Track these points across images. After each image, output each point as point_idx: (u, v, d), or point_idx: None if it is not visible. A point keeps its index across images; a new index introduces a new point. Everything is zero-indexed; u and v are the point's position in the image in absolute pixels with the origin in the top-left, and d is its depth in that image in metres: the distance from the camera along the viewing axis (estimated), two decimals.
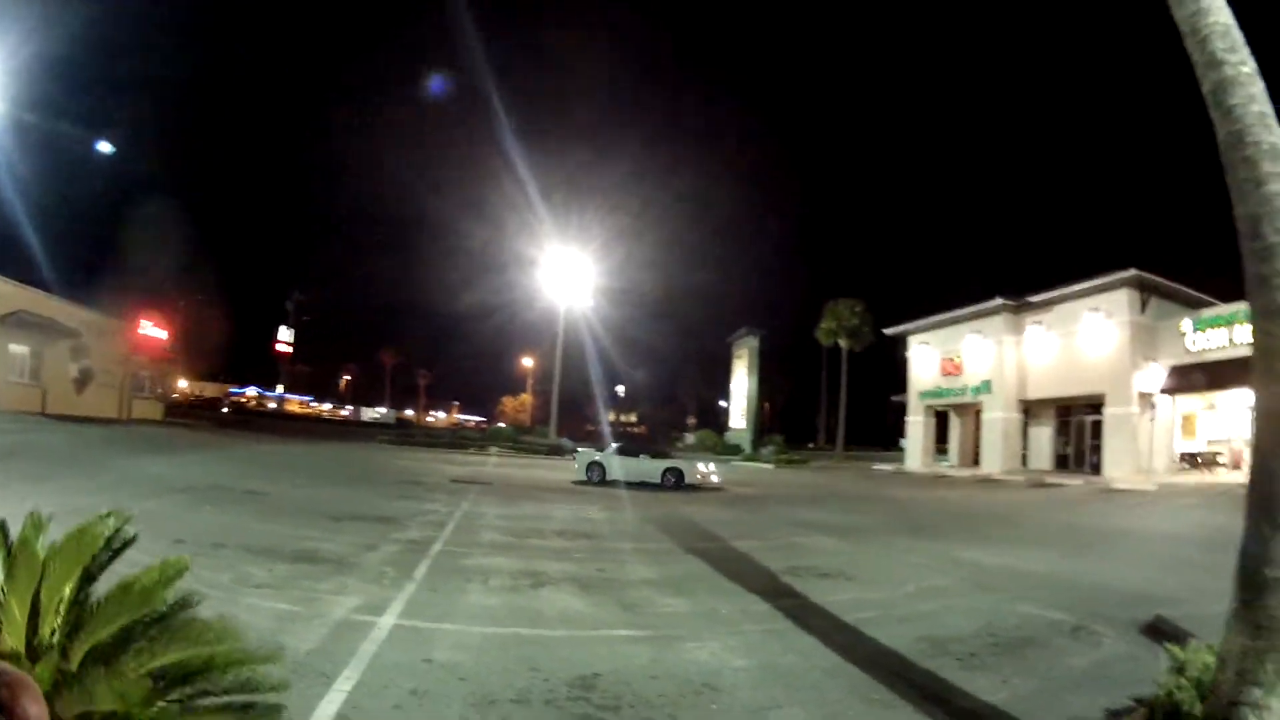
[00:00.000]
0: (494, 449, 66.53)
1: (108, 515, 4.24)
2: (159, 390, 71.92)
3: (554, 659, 9.34)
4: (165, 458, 33.33)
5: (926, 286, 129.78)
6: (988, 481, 49.60)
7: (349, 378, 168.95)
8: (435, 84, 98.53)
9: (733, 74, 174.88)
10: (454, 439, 76.59)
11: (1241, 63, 5.72)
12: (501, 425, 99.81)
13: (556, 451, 66.51)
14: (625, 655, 9.74)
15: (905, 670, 9.47)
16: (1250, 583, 5.16)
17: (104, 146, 61.59)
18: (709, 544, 19.87)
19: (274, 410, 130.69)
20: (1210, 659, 6.15)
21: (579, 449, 45.64)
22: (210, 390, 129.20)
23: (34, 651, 3.64)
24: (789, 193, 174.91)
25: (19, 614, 3.68)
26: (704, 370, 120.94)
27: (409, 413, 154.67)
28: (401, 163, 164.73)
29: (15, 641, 3.63)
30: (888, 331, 72.48)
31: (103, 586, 4.02)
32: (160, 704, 3.60)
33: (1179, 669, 6.74)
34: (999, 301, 57.79)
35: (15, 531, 4.06)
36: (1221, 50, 5.72)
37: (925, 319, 66.62)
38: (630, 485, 36.81)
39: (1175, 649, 7.11)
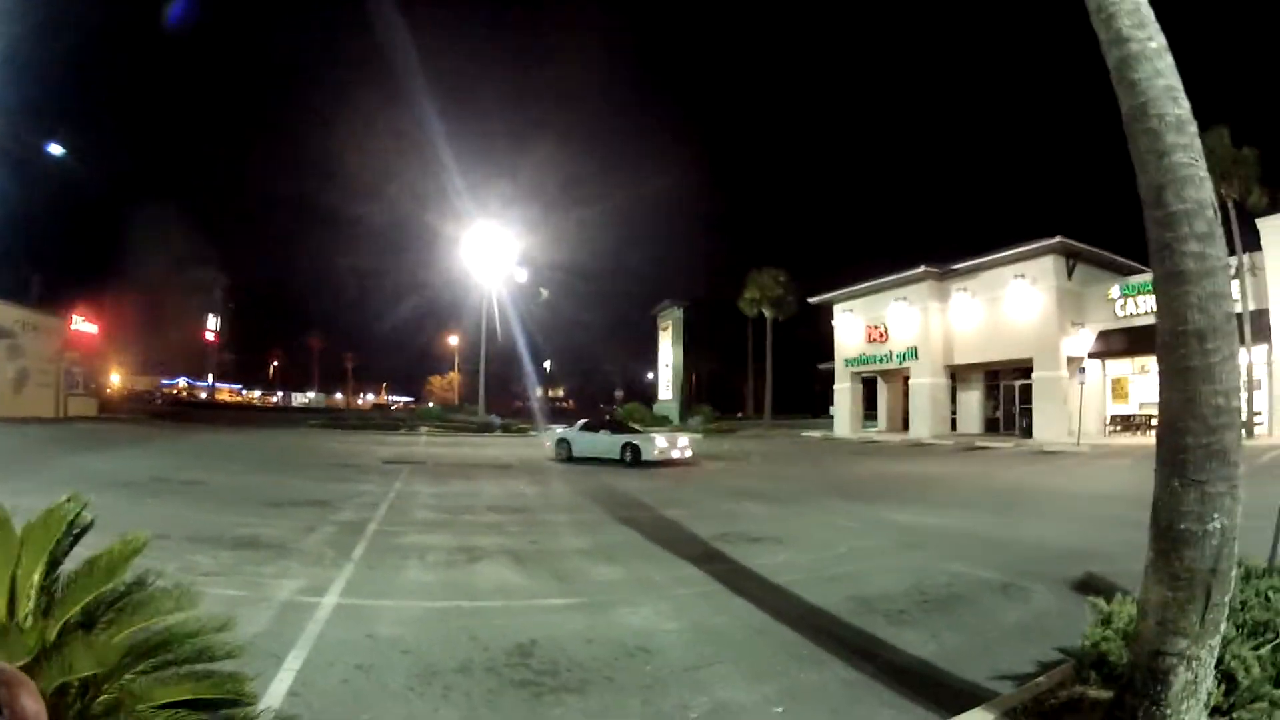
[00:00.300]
0: (424, 429, 66.47)
1: (68, 500, 4.38)
2: (92, 386, 71.42)
3: (492, 629, 9.48)
4: (103, 453, 33.16)
5: (851, 256, 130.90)
6: (917, 446, 50.32)
7: (277, 364, 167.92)
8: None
9: (654, 44, 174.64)
10: (384, 420, 76.53)
11: (1149, 38, 5.73)
12: (430, 405, 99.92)
13: (486, 429, 66.81)
14: (560, 623, 9.87)
15: (834, 628, 9.65)
16: (1164, 535, 5.27)
17: (55, 149, 60.81)
18: (639, 513, 20.04)
19: (205, 401, 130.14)
20: (1135, 610, 6.35)
21: (550, 427, 46.72)
22: (142, 384, 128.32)
23: (12, 628, 3.78)
24: (711, 163, 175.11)
25: None
26: (630, 343, 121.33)
27: (338, 396, 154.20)
28: (325, 145, 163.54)
29: None
30: (812, 300, 73.49)
31: (67, 567, 4.19)
32: (130, 675, 3.82)
33: (1105, 620, 6.84)
34: (923, 269, 58.60)
35: None
36: (1128, 27, 5.78)
37: (850, 287, 67.33)
38: (590, 460, 37.00)
39: (1100, 602, 7.23)
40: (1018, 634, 9.44)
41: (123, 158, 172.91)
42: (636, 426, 47.36)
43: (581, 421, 42.55)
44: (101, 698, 3.73)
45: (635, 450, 36.68)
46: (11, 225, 63.29)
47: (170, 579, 4.37)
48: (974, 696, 7.13)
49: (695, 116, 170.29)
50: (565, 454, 38.71)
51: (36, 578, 3.99)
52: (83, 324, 67.31)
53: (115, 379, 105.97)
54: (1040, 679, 7.04)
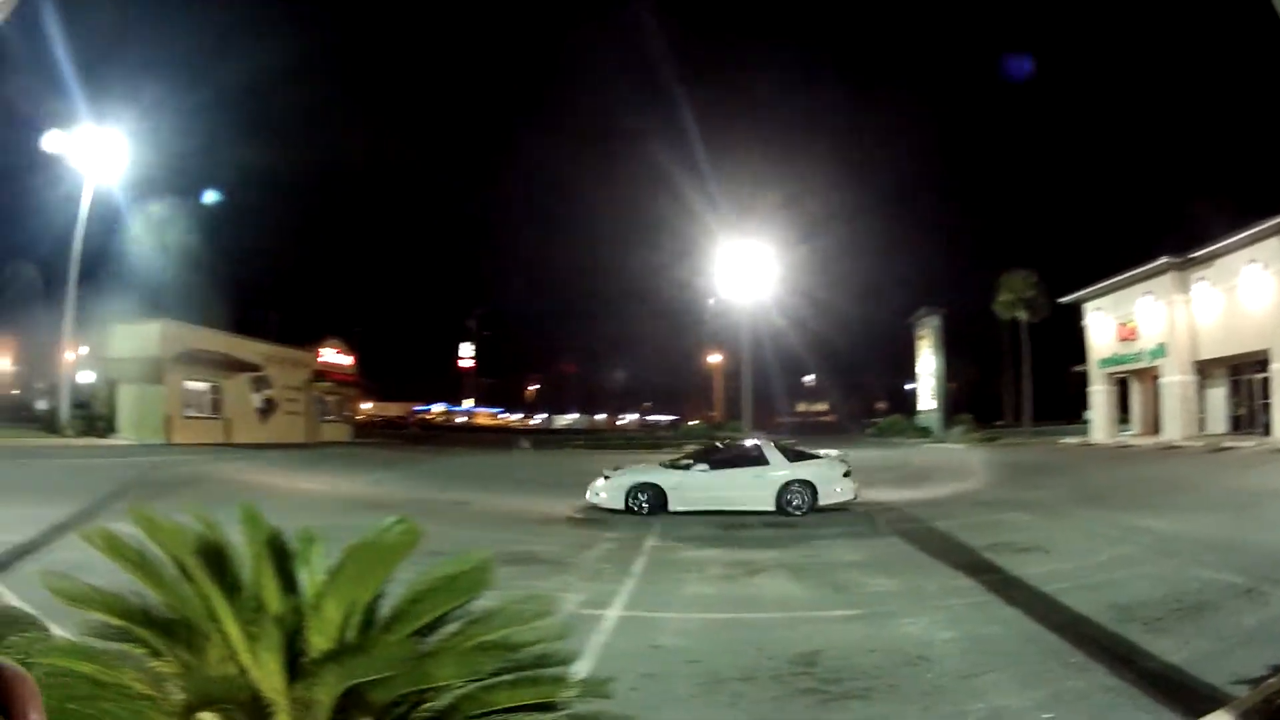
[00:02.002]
0: (689, 447, 66.56)
1: (399, 521, 4.62)
2: (345, 413, 74.05)
3: (775, 639, 10.04)
4: (360, 476, 34.44)
5: (1095, 250, 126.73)
6: (1168, 449, 47.71)
7: (536, 386, 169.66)
8: None
9: (895, 65, 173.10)
10: (648, 439, 76.75)
11: None
12: (694, 423, 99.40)
13: None
14: (841, 633, 10.44)
15: (1097, 635, 10.01)
16: None
17: (209, 196, 63.35)
18: (910, 525, 20.49)
19: (463, 425, 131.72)
20: None
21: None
22: (394, 410, 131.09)
23: (349, 647, 3.95)
24: (954, 162, 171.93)
25: (334, 614, 3.98)
26: (889, 354, 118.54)
27: (599, 417, 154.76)
28: (579, 168, 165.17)
29: (326, 641, 3.94)
30: (1062, 300, 70.47)
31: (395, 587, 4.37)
32: (483, 681, 3.99)
33: None
34: (1164, 260, 54.68)
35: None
36: None
37: (1097, 284, 64.02)
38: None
39: None
40: (1258, 637, 9.64)
41: (388, 196, 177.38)
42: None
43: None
44: (444, 702, 3.95)
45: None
46: (259, 265, 66.31)
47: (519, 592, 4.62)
48: (1214, 700, 7.40)
49: (942, 122, 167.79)
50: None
51: (368, 597, 4.17)
52: (333, 355, 70.19)
53: (367, 406, 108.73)
54: (1271, 680, 7.36)
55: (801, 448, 28.42)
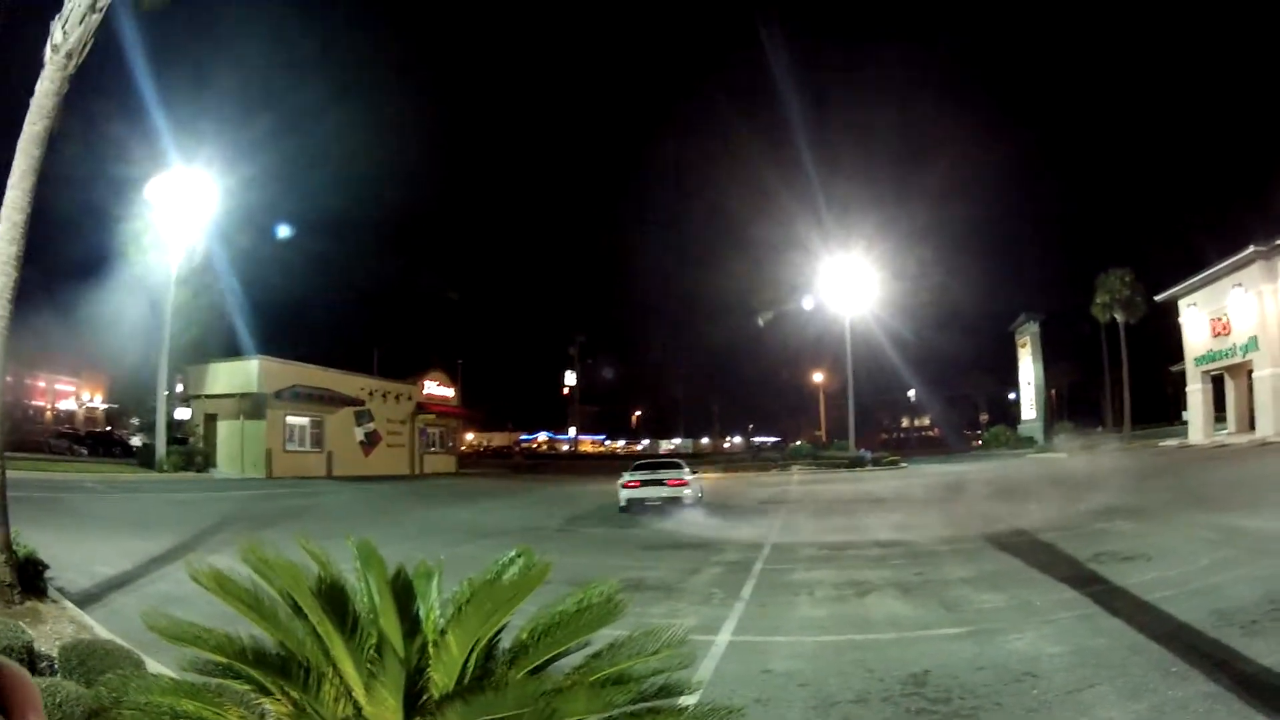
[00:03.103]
0: (794, 467, 67.01)
1: (518, 555, 4.88)
2: (449, 444, 74.95)
3: (885, 660, 10.25)
4: (466, 506, 34.85)
5: (1191, 242, 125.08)
6: (1264, 446, 46.43)
7: (640, 413, 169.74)
8: None
9: (983, 64, 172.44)
10: (753, 461, 77.30)
11: None
12: (799, 443, 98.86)
13: (856, 464, 66.70)
14: (951, 651, 10.62)
15: (1197, 642, 10.11)
16: None
17: (282, 231, 64.23)
18: (1016, 539, 20.59)
19: (567, 452, 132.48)
20: None
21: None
22: (498, 439, 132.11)
23: (471, 685, 3.95)
24: (1042, 170, 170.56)
25: (457, 651, 3.95)
26: (990, 364, 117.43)
27: (704, 440, 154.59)
28: (685, 193, 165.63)
29: (447, 678, 3.96)
30: (1158, 298, 69.11)
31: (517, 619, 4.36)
32: (610, 714, 3.97)
33: None
34: (1252, 249, 53.16)
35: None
36: None
37: (1190, 280, 62.40)
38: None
39: None
40: None
41: (488, 219, 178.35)
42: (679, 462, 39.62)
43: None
44: None
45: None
46: (364, 300, 67.46)
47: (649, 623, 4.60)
48: None
49: (1033, 127, 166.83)
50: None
51: (491, 633, 4.16)
52: (435, 387, 71.31)
53: (470, 436, 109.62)
54: None
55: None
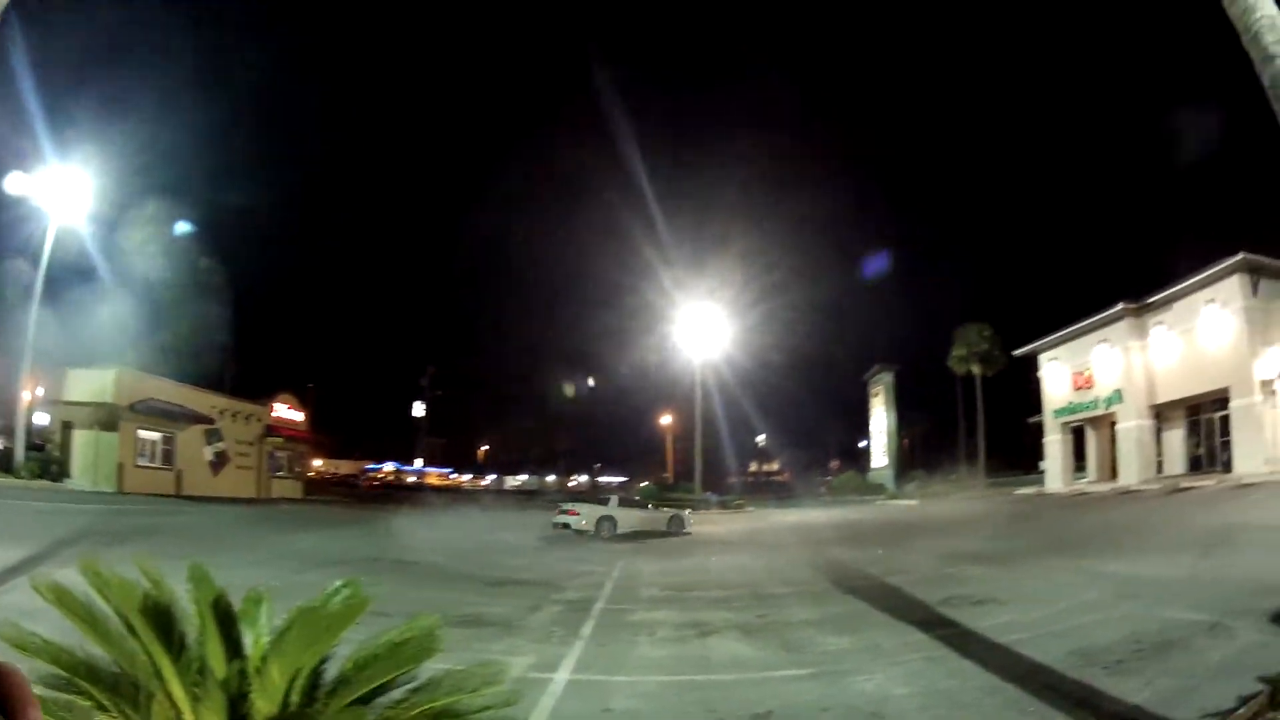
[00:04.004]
0: None
1: (344, 586, 4.79)
2: (296, 469, 73.72)
3: (728, 701, 9.89)
4: (311, 533, 34.01)
5: (1049, 302, 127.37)
6: (1126, 493, 48.44)
7: (487, 447, 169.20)
8: None
9: (846, 117, 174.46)
10: (601, 501, 77.43)
11: None
12: (646, 484, 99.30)
13: (702, 506, 66.83)
14: (795, 693, 10.27)
15: (1057, 682, 9.91)
16: None
17: (181, 226, 62.96)
18: (863, 582, 20.28)
19: (413, 484, 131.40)
20: None
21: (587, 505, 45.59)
22: (345, 467, 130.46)
23: (293, 714, 3.98)
24: (906, 221, 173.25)
25: (279, 679, 3.96)
26: (842, 412, 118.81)
27: (550, 478, 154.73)
28: (537, 232, 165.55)
29: (270, 705, 3.94)
30: (1017, 352, 71.40)
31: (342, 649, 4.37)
32: None
33: None
34: (1120, 307, 55.96)
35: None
36: (1272, 43, 6.10)
37: (1052, 335, 65.25)
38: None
39: None
40: (1224, 671, 9.62)
41: (340, 247, 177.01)
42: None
43: (618, 498, 46.71)
44: None
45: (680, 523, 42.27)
46: (216, 321, 66.03)
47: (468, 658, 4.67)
48: None
49: (889, 182, 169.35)
50: (610, 530, 39.83)
51: (314, 662, 4.18)
52: (285, 410, 70.00)
53: (318, 463, 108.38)
54: (1240, 711, 7.39)
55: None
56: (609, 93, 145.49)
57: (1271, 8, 6.23)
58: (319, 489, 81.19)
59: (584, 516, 41.07)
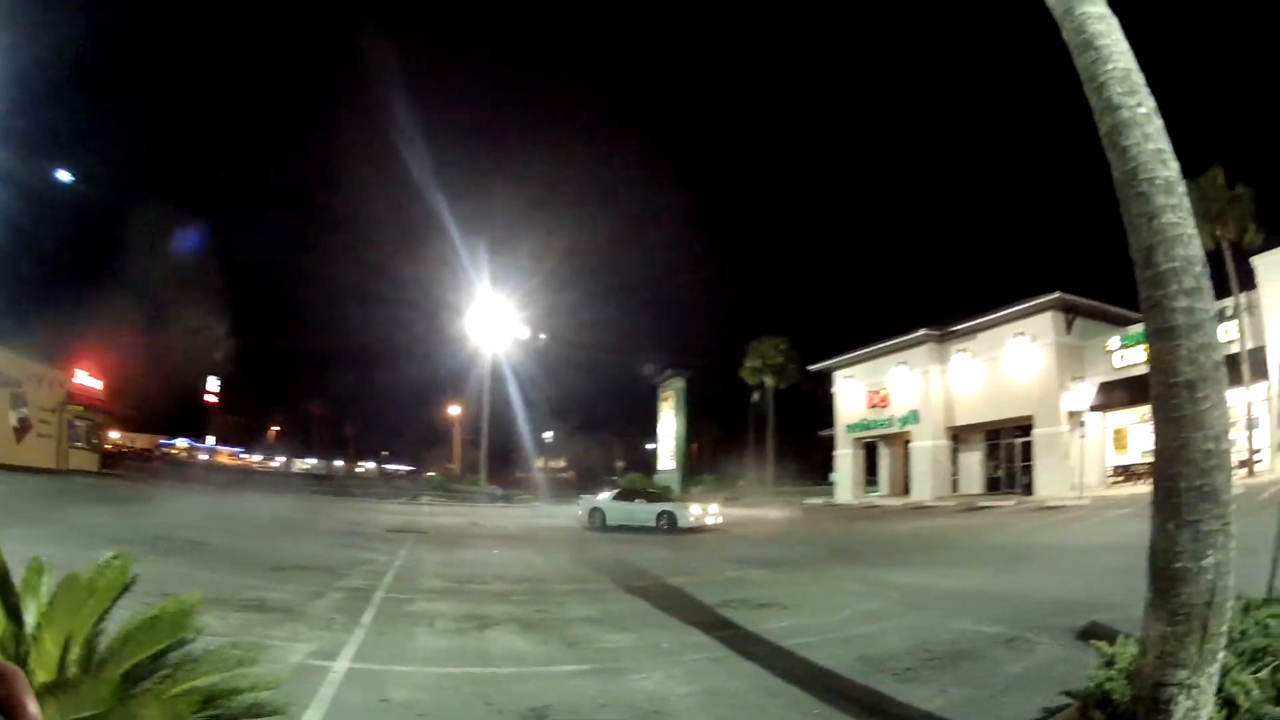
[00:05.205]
0: (425, 498, 66.21)
1: (115, 558, 4.54)
2: (94, 441, 71.25)
3: (506, 694, 9.54)
4: (106, 508, 33.16)
5: (852, 320, 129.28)
6: (919, 508, 50.13)
7: (278, 428, 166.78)
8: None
9: (655, 117, 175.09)
10: (386, 489, 76.42)
11: (1139, 105, 6.04)
12: (432, 474, 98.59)
13: (487, 499, 66.83)
14: (573, 688, 9.97)
15: (844, 688, 9.74)
16: (1162, 575, 5.60)
17: (63, 175, 60.64)
18: (646, 582, 20.12)
19: (205, 462, 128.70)
20: (1136, 650, 6.53)
21: (582, 496, 46.41)
22: (141, 441, 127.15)
23: (63, 682, 3.84)
24: (712, 232, 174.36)
25: (52, 648, 3.92)
26: (632, 414, 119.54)
27: (338, 463, 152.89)
28: (329, 214, 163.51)
29: (46, 674, 3.86)
30: (813, 368, 73.54)
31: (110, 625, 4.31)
32: None
33: (1109, 662, 7.07)
34: (923, 332, 58.56)
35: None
36: (1119, 94, 6.03)
37: (850, 353, 67.47)
38: (624, 528, 38.09)
39: (1104, 645, 7.49)
40: (1025, 683, 9.60)
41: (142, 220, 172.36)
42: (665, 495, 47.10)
43: (614, 491, 45.19)
44: None
45: (671, 517, 38.31)
46: (27, 279, 63.42)
47: (213, 633, 4.58)
48: None
49: (696, 187, 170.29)
50: (600, 522, 39.20)
51: (87, 631, 4.08)
52: (86, 378, 67.20)
53: (115, 435, 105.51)
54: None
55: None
56: (394, 80, 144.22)
57: (1127, 61, 6.37)
58: (114, 462, 78.87)
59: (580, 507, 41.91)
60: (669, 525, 37.65)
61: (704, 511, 39.29)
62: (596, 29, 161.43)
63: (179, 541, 23.31)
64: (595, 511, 39.87)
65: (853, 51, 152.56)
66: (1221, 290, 40.62)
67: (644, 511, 38.89)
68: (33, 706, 1.70)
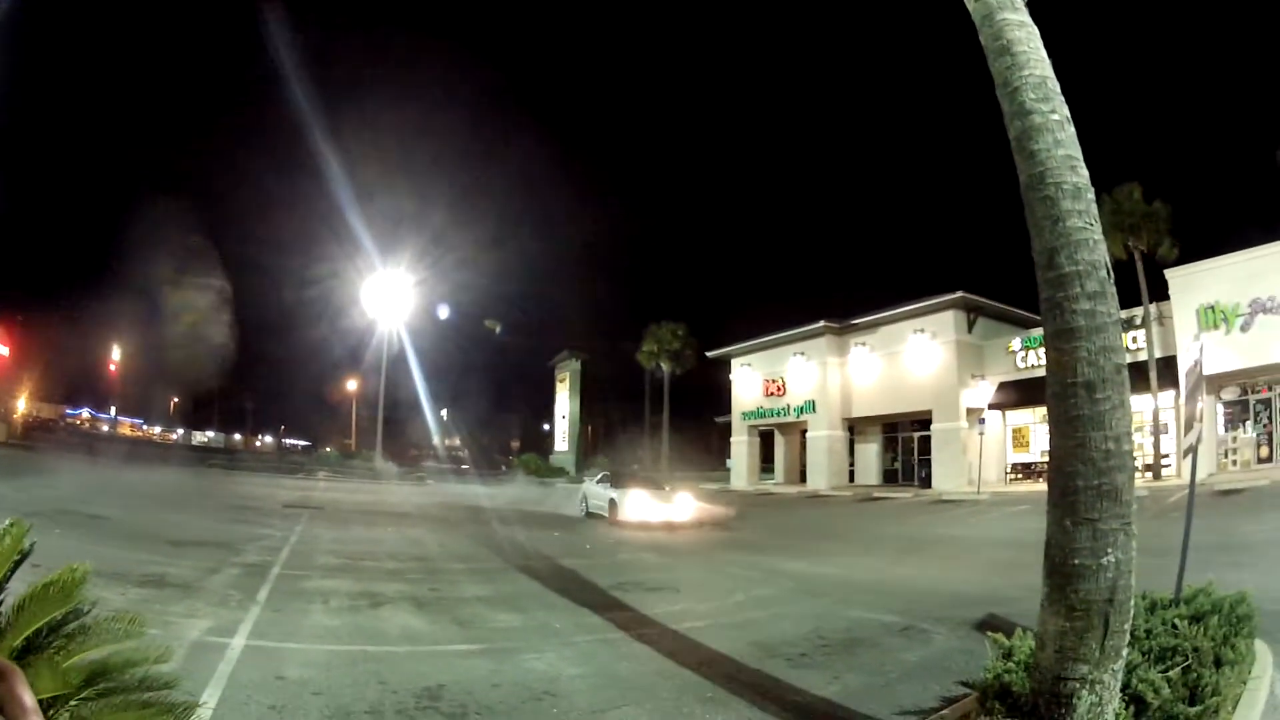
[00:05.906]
0: (321, 474, 65.66)
1: (12, 525, 4.29)
2: (3, 410, 69.90)
3: (400, 673, 9.51)
4: (7, 481, 32.79)
5: (752, 310, 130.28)
6: (814, 497, 50.61)
7: (177, 400, 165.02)
8: None
9: (551, 97, 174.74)
10: (282, 464, 75.68)
11: (1052, 111, 6.12)
12: (328, 450, 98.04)
13: (382, 476, 66.25)
14: (466, 668, 9.95)
15: (736, 672, 9.77)
16: (1059, 570, 5.67)
17: None
18: (537, 563, 20.14)
19: (107, 433, 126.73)
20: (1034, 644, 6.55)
21: (584, 481, 42.99)
22: (47, 411, 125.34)
23: None
24: (612, 215, 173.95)
25: None
26: (527, 394, 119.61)
27: (237, 437, 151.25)
28: (227, 184, 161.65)
29: None
30: (710, 355, 73.34)
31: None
32: (78, 700, 3.78)
33: (1007, 654, 7.16)
34: (822, 324, 58.79)
35: None
36: (1033, 100, 6.07)
37: (748, 342, 67.55)
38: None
39: (1000, 637, 7.57)
40: (920, 672, 9.68)
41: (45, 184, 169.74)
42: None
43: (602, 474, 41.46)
44: None
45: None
46: None
47: (113, 608, 4.37)
48: None
49: (597, 169, 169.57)
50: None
51: None
52: None
53: (21, 404, 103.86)
54: (944, 712, 7.33)
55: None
56: (283, 48, 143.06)
57: (1044, 69, 6.40)
58: (20, 433, 77.76)
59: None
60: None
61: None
62: (492, 7, 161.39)
63: (80, 515, 22.96)
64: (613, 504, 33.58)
65: (763, 38, 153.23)
66: (1134, 299, 42.07)
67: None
68: (30, 702, 1.78)
